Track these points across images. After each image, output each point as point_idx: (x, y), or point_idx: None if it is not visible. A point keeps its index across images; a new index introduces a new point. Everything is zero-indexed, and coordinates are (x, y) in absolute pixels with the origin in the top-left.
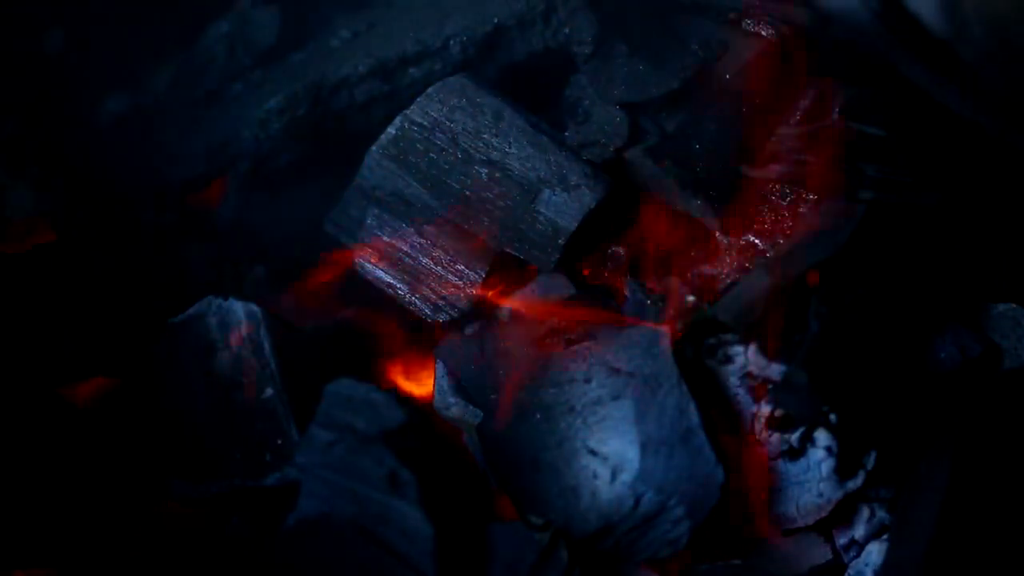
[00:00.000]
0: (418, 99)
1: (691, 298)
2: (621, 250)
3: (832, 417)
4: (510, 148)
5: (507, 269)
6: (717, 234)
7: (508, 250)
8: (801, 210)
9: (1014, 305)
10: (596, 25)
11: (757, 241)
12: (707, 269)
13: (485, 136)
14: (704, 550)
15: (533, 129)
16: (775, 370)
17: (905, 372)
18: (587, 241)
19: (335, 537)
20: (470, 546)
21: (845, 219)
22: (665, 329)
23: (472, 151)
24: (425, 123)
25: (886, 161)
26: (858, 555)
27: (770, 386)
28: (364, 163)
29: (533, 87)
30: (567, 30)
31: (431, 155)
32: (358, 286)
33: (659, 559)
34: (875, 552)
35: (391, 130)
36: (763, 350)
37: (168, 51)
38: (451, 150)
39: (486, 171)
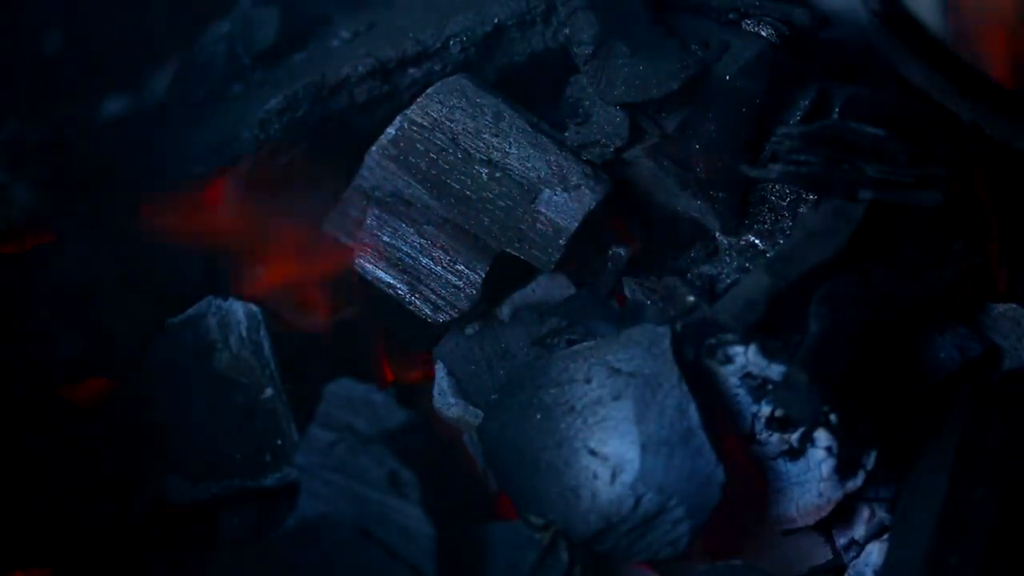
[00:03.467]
0: (418, 99)
1: (691, 298)
2: (621, 250)
3: (832, 417)
4: (510, 148)
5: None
6: (717, 234)
7: (508, 250)
8: (801, 210)
9: (1014, 305)
10: (596, 25)
11: (757, 241)
12: (707, 269)
13: (485, 136)
14: (704, 550)
15: (533, 129)
16: (775, 370)
17: (905, 372)
18: (587, 241)
19: (335, 537)
20: (470, 546)
21: (845, 219)
22: (665, 329)
23: (472, 151)
24: (425, 123)
25: (886, 161)
26: (858, 555)
27: (770, 386)
28: (364, 163)
29: (533, 87)
30: (567, 30)
31: (431, 155)
32: (358, 286)
33: (659, 559)
34: (875, 552)
35: (391, 130)
36: (763, 350)
37: (168, 51)
38: (451, 150)
39: (486, 171)
